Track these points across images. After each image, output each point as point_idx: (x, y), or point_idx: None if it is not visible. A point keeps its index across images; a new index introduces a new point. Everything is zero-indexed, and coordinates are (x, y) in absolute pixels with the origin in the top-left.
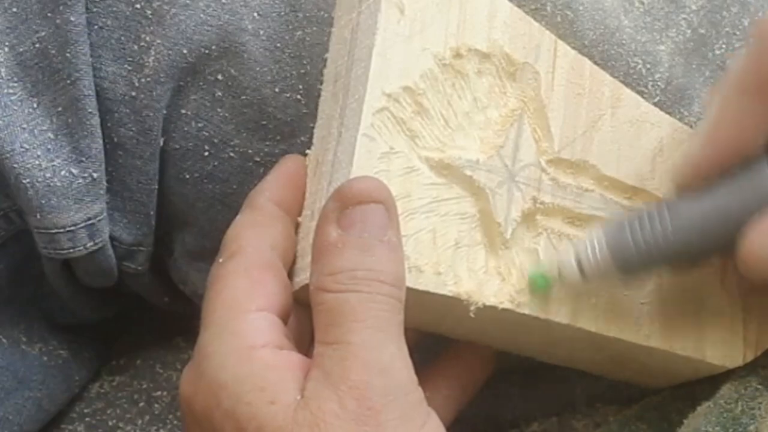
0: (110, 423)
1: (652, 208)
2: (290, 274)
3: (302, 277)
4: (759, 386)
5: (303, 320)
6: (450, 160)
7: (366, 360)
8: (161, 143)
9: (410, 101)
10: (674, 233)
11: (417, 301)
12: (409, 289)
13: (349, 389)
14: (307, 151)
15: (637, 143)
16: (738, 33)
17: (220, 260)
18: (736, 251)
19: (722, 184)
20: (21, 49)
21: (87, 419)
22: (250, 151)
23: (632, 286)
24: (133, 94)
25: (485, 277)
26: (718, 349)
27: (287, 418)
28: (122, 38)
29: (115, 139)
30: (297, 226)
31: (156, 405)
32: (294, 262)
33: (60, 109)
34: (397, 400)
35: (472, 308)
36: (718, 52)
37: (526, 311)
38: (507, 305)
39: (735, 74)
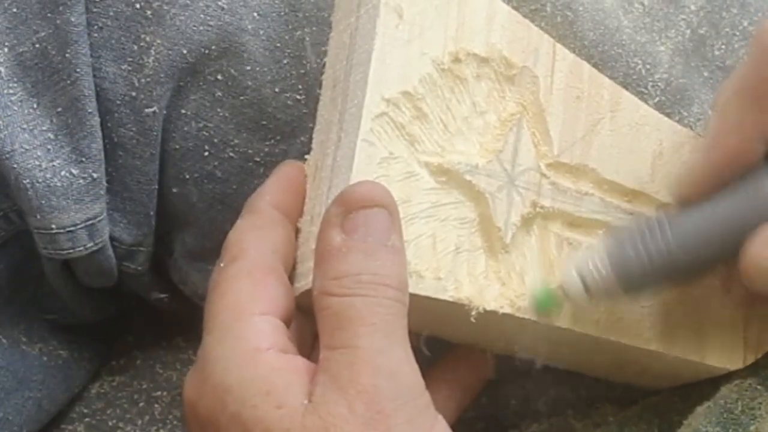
0: (110, 423)
1: (652, 222)
2: (290, 280)
3: (303, 283)
4: (759, 386)
5: (303, 325)
6: (449, 164)
7: (374, 364)
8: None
9: (409, 106)
10: (677, 247)
11: (417, 306)
12: (409, 295)
13: (358, 393)
14: (306, 156)
15: (637, 146)
16: (737, 34)
17: (222, 264)
18: (738, 262)
19: (723, 195)
20: (21, 50)
21: (87, 419)
22: (250, 151)
23: (636, 299)
24: (133, 94)
25: (485, 281)
26: (719, 351)
27: (295, 423)
28: (122, 38)
29: (115, 140)
30: (297, 231)
31: (156, 405)
32: (294, 267)
33: (60, 109)
34: (406, 404)
35: (472, 313)
36: (717, 52)
37: (527, 316)
38: (507, 310)
39: (735, 83)
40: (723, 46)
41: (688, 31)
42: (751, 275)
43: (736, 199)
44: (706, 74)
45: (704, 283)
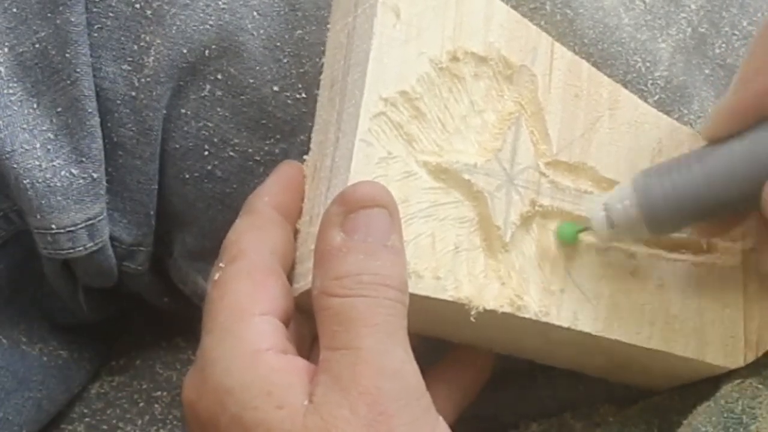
0: (110, 423)
1: (680, 158)
2: (289, 280)
3: (302, 283)
4: (759, 385)
5: (302, 326)
6: (448, 164)
7: (377, 365)
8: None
9: (407, 105)
10: (703, 183)
11: (417, 306)
12: (409, 295)
13: (360, 394)
14: (305, 157)
15: (636, 145)
16: (737, 33)
17: (221, 264)
18: (760, 199)
19: (751, 133)
20: (21, 50)
21: (87, 419)
22: (250, 150)
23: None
24: (133, 94)
25: (485, 281)
26: (719, 350)
27: (296, 423)
28: (122, 38)
29: (115, 139)
30: (295, 232)
31: (156, 405)
32: (292, 268)
33: (60, 109)
34: (408, 405)
35: (472, 313)
36: (717, 51)
37: (527, 315)
38: (507, 309)
39: (765, 25)
40: (723, 45)
41: (689, 29)
42: None
43: (763, 138)
44: (707, 72)
45: (703, 281)
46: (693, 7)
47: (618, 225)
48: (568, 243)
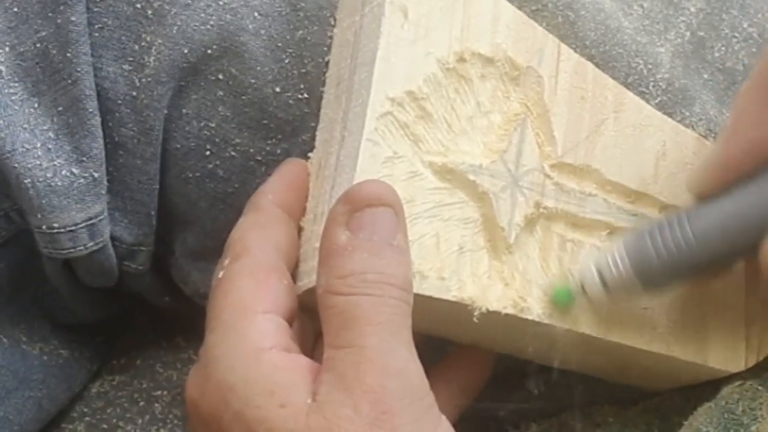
0: (110, 423)
1: (671, 217)
2: (293, 278)
3: (306, 281)
4: (760, 387)
5: (305, 324)
6: (453, 164)
7: (381, 364)
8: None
9: (414, 106)
10: (696, 241)
11: (420, 306)
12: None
13: (363, 393)
14: (309, 155)
15: (640, 147)
16: (737, 35)
17: (225, 262)
18: (757, 255)
19: (741, 188)
20: (22, 49)
21: (87, 419)
22: (251, 150)
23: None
24: (134, 93)
25: (488, 282)
26: (721, 353)
27: (299, 422)
28: (123, 38)
29: (116, 139)
30: (299, 229)
31: (156, 405)
32: (296, 266)
33: (61, 108)
34: (412, 404)
35: (475, 313)
36: (717, 54)
37: (529, 316)
38: (510, 310)
39: (753, 77)
40: (723, 48)
41: (688, 33)
42: None
43: (755, 192)
44: (705, 76)
45: (706, 284)
46: (692, 9)
47: (611, 284)
48: (564, 306)
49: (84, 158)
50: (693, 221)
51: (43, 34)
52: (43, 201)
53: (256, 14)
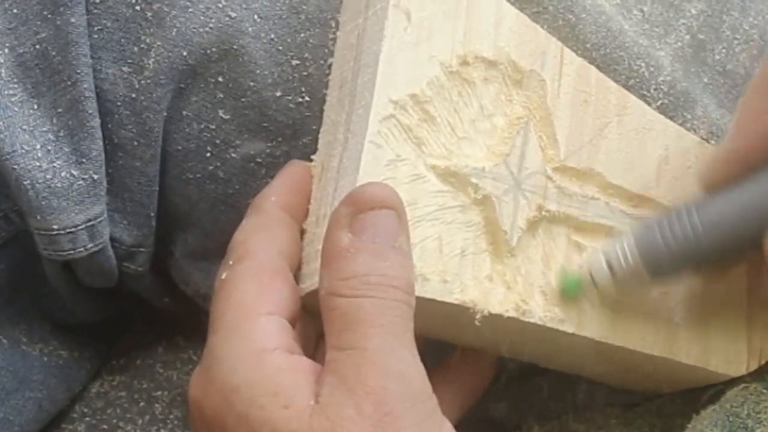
0: (110, 423)
1: (680, 208)
2: (295, 280)
3: (309, 283)
4: (764, 390)
5: (307, 326)
6: (456, 167)
7: (383, 366)
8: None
9: (417, 109)
10: (705, 231)
11: (423, 309)
12: (415, 297)
13: (366, 395)
14: (312, 157)
15: (643, 151)
16: (738, 37)
17: (228, 264)
18: (763, 248)
19: (749, 181)
20: (21, 51)
21: (87, 419)
22: (252, 152)
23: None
24: (134, 95)
25: (491, 285)
26: (723, 357)
27: (302, 423)
28: (122, 40)
29: (116, 141)
30: (302, 232)
31: (156, 405)
32: (299, 268)
33: (60, 110)
34: (414, 406)
35: (477, 316)
36: (717, 57)
37: (532, 320)
38: (512, 313)
39: (762, 72)
40: (723, 50)
41: (688, 37)
42: None
43: (763, 184)
44: (705, 80)
45: (707, 288)
46: (693, 12)
47: (618, 272)
48: (571, 296)
49: (83, 160)
50: (701, 211)
51: (43, 35)
52: (43, 202)
53: (256, 17)
